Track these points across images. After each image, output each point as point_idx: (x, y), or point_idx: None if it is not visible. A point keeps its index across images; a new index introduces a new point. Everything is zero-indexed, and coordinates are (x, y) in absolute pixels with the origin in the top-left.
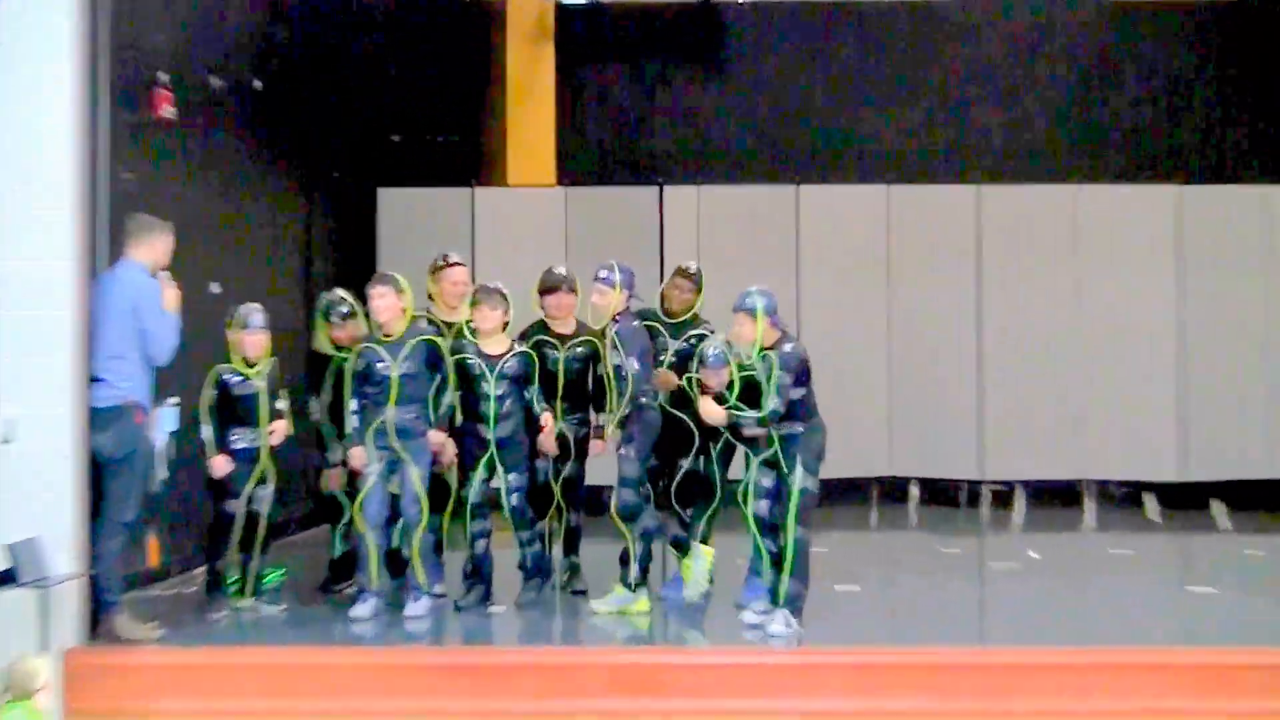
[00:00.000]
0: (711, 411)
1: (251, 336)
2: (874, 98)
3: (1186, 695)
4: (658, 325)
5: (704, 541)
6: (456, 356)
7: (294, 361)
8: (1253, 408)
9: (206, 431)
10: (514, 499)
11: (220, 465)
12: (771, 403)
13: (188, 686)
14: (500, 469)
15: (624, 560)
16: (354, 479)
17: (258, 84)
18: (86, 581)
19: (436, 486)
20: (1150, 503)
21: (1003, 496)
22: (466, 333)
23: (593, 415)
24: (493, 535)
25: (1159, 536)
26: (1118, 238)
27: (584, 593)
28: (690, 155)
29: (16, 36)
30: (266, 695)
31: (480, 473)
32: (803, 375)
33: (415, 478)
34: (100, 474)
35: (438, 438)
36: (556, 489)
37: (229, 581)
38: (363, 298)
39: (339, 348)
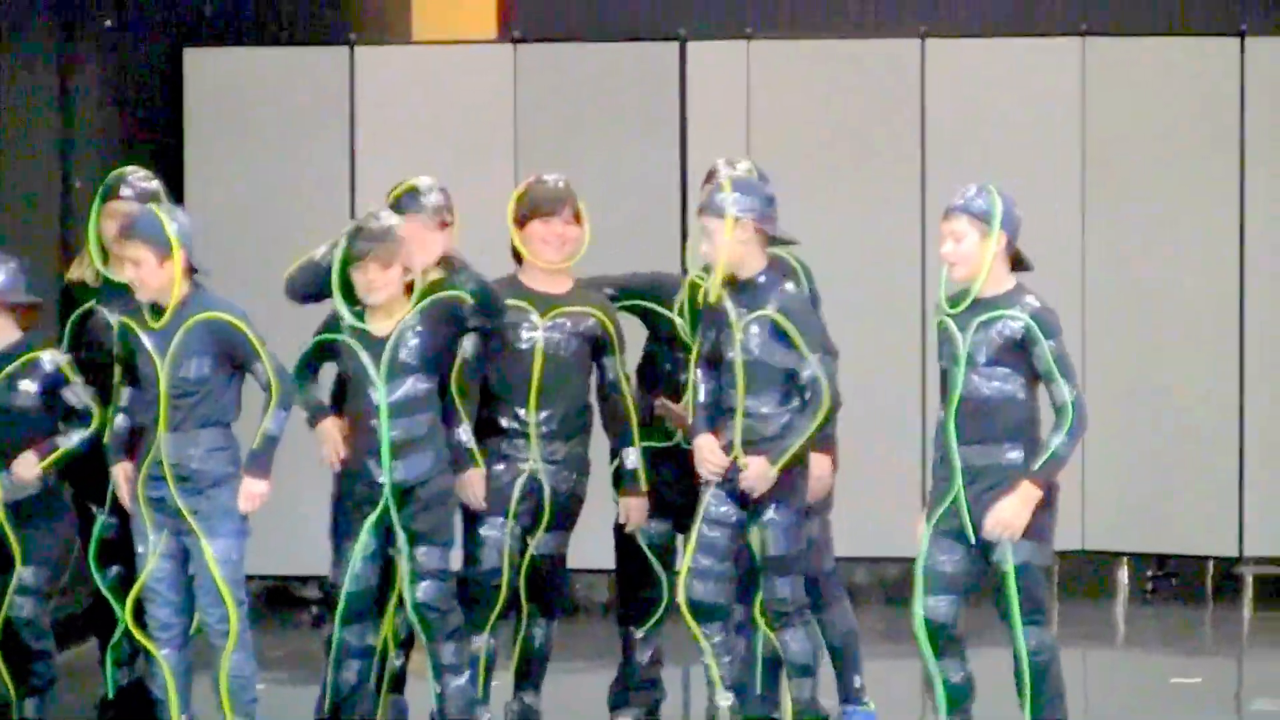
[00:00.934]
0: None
1: None
2: None
3: None
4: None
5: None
6: (323, 338)
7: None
8: None
9: None
10: (423, 589)
11: None
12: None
13: None
14: (401, 537)
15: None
16: (120, 553)
17: None
18: None
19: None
20: None
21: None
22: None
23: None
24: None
25: None
26: None
27: None
28: None
29: None
30: None
31: (365, 540)
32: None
33: (210, 556)
34: None
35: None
36: (510, 576)
37: None
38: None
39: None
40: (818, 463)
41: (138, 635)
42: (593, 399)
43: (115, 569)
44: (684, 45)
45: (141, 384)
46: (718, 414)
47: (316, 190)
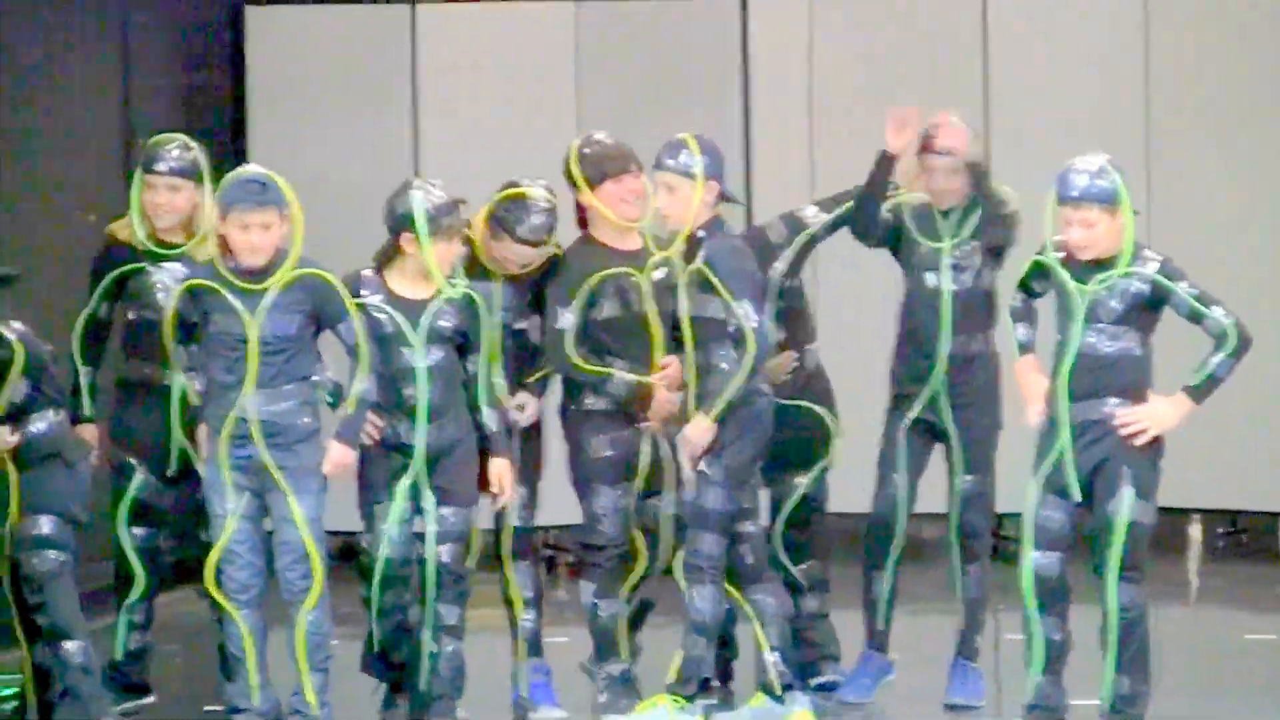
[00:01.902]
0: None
1: None
2: None
3: None
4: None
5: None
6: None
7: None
8: None
9: None
10: (446, 551)
11: None
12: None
13: None
14: (430, 498)
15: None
16: (150, 516)
17: None
18: None
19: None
20: None
21: None
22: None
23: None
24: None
25: None
26: None
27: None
28: None
29: None
30: None
31: (402, 506)
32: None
33: (296, 513)
34: None
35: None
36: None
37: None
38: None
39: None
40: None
41: (216, 597)
42: None
43: (143, 530)
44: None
45: (218, 344)
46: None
47: (379, 148)
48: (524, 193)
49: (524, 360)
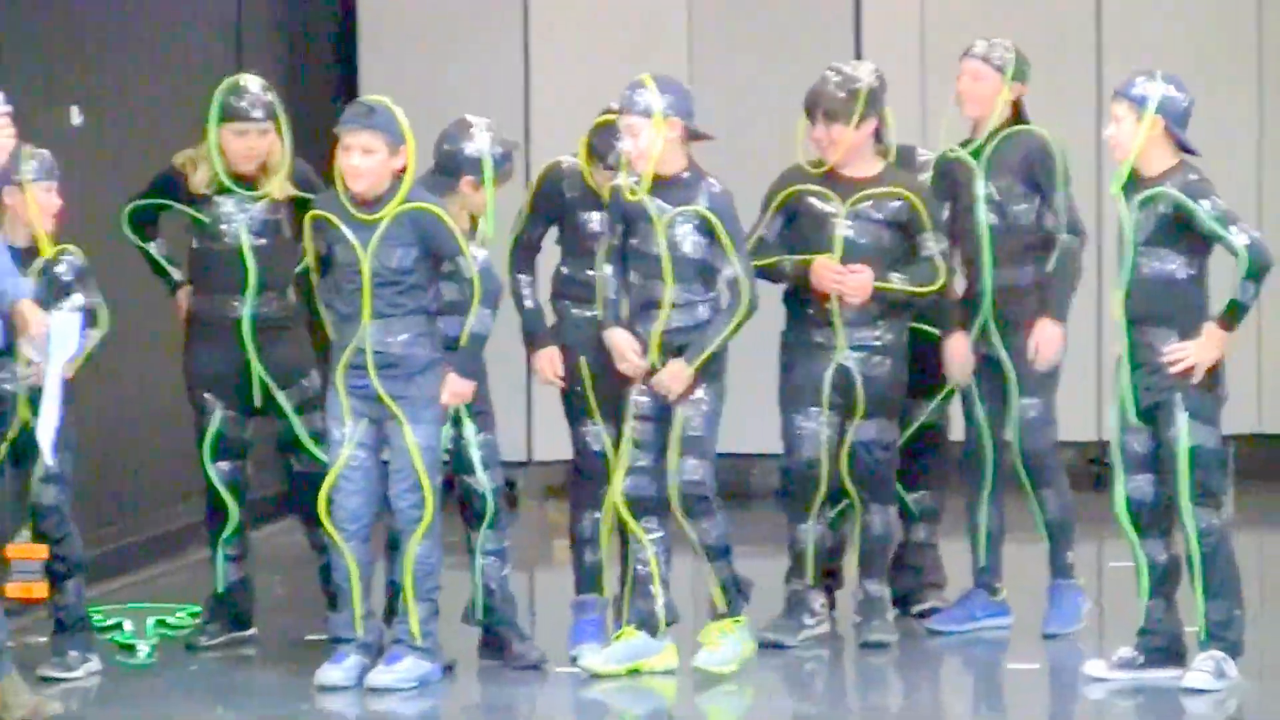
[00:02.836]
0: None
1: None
2: None
3: None
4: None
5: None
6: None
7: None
8: None
9: None
10: (497, 474)
11: None
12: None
13: None
14: (470, 427)
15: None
16: (232, 450)
17: None
18: None
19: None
20: None
21: None
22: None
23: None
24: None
25: None
26: None
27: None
28: None
29: None
30: None
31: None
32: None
33: (411, 442)
34: None
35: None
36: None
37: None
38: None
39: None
40: (1050, 333)
41: (326, 526)
42: None
43: (226, 464)
44: None
45: (340, 276)
46: (639, 310)
47: (489, 86)
48: (613, 120)
49: None
